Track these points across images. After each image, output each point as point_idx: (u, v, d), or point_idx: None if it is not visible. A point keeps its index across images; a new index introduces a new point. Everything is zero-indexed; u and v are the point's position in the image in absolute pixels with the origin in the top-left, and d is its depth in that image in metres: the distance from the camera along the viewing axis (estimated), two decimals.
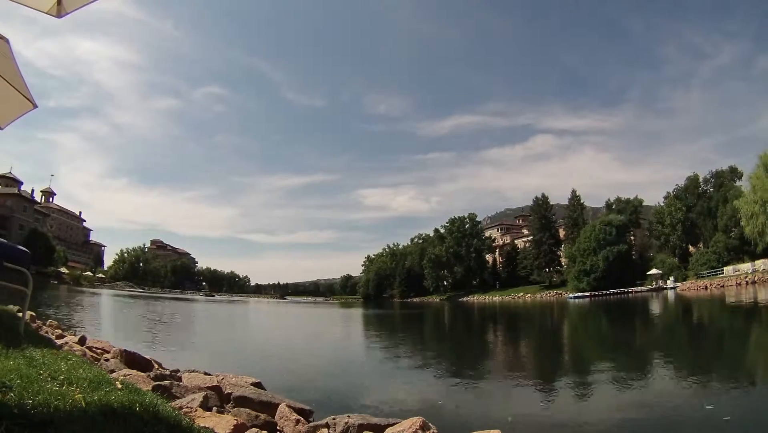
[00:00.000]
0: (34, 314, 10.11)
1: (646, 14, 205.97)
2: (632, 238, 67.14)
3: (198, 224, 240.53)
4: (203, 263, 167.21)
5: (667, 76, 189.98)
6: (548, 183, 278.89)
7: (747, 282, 41.88)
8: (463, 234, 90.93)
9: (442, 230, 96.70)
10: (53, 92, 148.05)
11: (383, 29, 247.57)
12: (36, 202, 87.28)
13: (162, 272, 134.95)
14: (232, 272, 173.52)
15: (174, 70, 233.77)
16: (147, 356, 7.46)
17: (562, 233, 78.27)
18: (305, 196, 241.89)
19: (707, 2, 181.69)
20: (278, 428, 4.73)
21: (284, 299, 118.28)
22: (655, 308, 32.34)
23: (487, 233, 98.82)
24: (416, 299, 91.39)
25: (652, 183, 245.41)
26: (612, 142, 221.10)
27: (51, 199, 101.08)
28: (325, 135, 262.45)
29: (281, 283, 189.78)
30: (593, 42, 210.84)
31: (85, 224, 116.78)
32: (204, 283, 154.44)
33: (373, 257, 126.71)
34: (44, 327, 9.23)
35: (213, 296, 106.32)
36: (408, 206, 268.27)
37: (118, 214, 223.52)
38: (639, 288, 54.87)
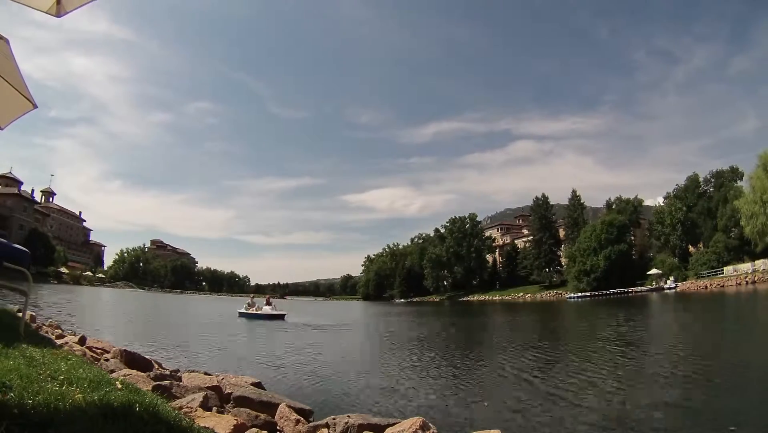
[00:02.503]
0: (34, 314, 10.12)
1: (611, 21, 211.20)
2: (632, 238, 67.16)
3: (194, 225, 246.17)
4: (203, 263, 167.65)
5: (640, 81, 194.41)
6: (532, 186, 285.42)
7: (747, 282, 41.89)
8: (464, 234, 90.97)
9: (443, 230, 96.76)
10: (50, 102, 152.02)
11: (357, 46, 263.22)
12: (36, 202, 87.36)
13: (162, 272, 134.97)
14: (232, 272, 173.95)
15: (164, 84, 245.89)
16: (147, 356, 7.47)
17: (562, 233, 78.29)
18: (294, 199, 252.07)
19: (673, 7, 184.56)
20: (278, 428, 4.73)
21: (284, 298, 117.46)
22: (655, 307, 32.35)
23: (487, 233, 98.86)
24: (416, 299, 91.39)
25: (636, 186, 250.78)
26: (593, 146, 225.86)
27: (51, 199, 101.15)
28: (311, 142, 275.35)
29: (281, 283, 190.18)
30: (563, 50, 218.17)
31: (84, 224, 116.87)
32: (204, 283, 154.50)
33: (373, 256, 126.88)
34: (44, 327, 9.22)
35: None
36: (398, 209, 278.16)
37: (115, 216, 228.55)
38: (639, 288, 54.87)
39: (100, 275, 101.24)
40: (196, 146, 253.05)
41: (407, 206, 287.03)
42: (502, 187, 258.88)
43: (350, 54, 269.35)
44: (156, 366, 7.28)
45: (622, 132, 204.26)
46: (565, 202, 78.73)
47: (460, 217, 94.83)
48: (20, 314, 6.07)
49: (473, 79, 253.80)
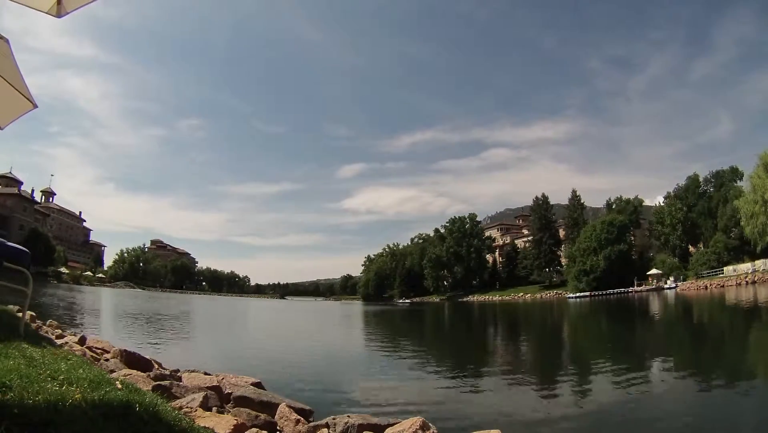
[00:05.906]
0: (34, 313, 10.11)
1: (558, 32, 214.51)
2: (632, 238, 67.14)
3: (189, 227, 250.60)
4: (202, 264, 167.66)
5: (601, 89, 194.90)
6: (511, 189, 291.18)
7: (747, 282, 41.84)
8: (464, 234, 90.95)
9: (443, 230, 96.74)
10: (47, 116, 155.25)
11: (326, 68, 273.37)
12: (36, 202, 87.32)
13: (162, 272, 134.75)
14: (232, 272, 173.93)
15: (153, 102, 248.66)
16: (147, 356, 7.45)
17: (562, 233, 78.29)
18: (279, 202, 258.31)
19: (622, 14, 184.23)
20: (278, 428, 4.73)
21: (284, 299, 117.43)
22: (655, 307, 32.35)
23: (487, 233, 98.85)
24: (416, 299, 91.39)
25: (619, 189, 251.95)
26: (568, 151, 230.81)
27: (51, 199, 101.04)
28: (291, 151, 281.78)
29: (281, 283, 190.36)
30: (517, 63, 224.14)
31: (84, 224, 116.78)
32: (204, 283, 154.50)
33: (373, 256, 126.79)
34: (44, 327, 9.22)
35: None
36: (380, 211, 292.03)
37: (112, 219, 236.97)
38: (639, 288, 54.85)
39: (100, 275, 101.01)
40: (183, 155, 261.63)
41: (388, 209, 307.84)
42: (482, 191, 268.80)
43: (320, 75, 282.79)
44: (156, 366, 7.27)
45: (595, 138, 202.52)
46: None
47: (459, 217, 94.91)
48: (20, 314, 6.07)
49: (438, 93, 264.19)
